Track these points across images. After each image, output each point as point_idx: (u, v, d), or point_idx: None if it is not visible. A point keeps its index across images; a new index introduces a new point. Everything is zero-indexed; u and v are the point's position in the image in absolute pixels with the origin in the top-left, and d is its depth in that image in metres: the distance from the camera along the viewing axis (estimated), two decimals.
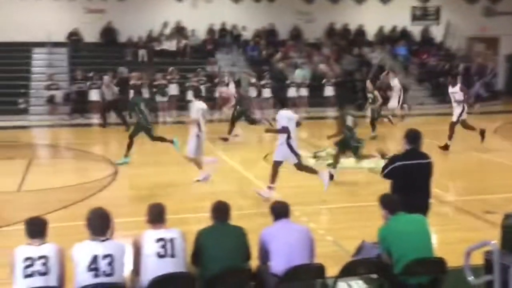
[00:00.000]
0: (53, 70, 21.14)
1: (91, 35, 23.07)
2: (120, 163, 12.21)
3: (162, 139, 12.24)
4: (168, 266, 4.67)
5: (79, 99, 20.17)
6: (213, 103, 18.24)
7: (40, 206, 8.04)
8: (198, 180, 10.62)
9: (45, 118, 19.64)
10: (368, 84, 16.62)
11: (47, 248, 4.60)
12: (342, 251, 6.84)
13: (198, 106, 10.59)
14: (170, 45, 23.35)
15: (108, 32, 23.34)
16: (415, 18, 27.21)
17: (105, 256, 4.49)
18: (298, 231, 5.21)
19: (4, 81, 20.09)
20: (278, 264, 4.91)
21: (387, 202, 5.24)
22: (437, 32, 27.08)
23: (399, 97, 18.15)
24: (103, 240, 4.61)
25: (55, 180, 11.53)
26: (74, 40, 22.68)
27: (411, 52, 25.80)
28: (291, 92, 21.62)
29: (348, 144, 10.64)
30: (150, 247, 4.70)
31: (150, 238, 4.75)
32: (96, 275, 4.45)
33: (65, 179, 11.53)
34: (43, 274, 4.46)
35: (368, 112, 16.19)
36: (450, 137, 13.70)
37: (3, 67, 20.92)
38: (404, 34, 26.43)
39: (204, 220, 5.57)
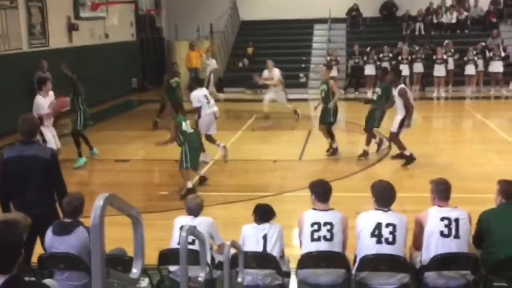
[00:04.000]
0: (332, 45, 21.92)
1: (370, 10, 23.32)
2: None
3: None
4: (450, 246, 4.55)
5: (354, 74, 20.57)
6: None
7: (319, 175, 8.36)
8: None
9: None
10: None
11: (332, 215, 4.81)
12: None
13: None
14: (450, 18, 22.39)
15: (388, 7, 23.32)
16: None
17: (388, 225, 4.57)
18: None
19: (287, 56, 21.42)
20: None
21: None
22: None
23: None
24: (386, 211, 4.67)
25: None
26: (353, 15, 23.18)
27: None
28: None
29: None
30: (434, 225, 4.62)
31: (435, 215, 4.66)
32: (379, 241, 4.55)
33: (340, 150, 11.93)
34: (328, 240, 4.68)
35: None
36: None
37: (287, 43, 22.40)
38: None
39: (488, 201, 5.27)
